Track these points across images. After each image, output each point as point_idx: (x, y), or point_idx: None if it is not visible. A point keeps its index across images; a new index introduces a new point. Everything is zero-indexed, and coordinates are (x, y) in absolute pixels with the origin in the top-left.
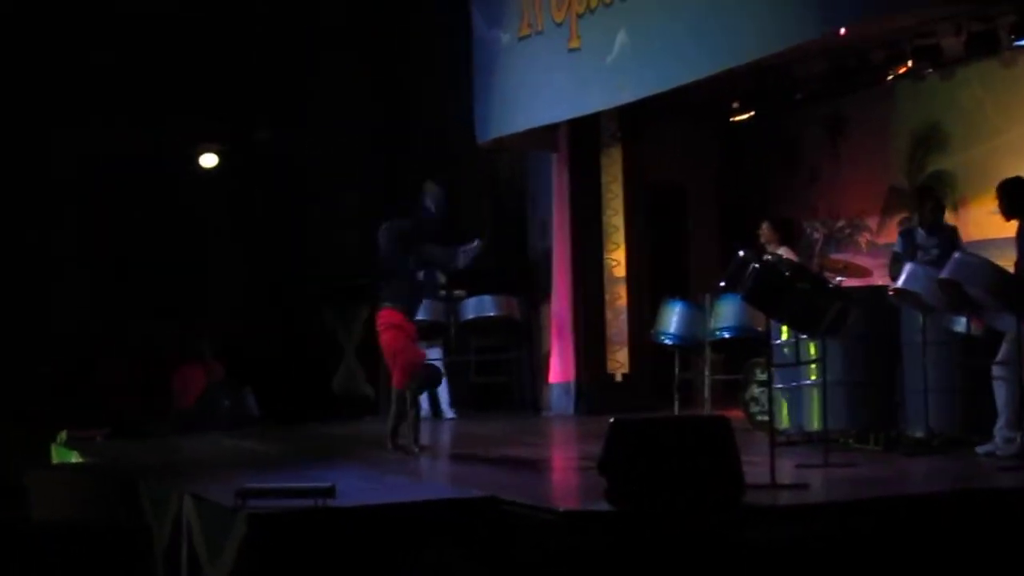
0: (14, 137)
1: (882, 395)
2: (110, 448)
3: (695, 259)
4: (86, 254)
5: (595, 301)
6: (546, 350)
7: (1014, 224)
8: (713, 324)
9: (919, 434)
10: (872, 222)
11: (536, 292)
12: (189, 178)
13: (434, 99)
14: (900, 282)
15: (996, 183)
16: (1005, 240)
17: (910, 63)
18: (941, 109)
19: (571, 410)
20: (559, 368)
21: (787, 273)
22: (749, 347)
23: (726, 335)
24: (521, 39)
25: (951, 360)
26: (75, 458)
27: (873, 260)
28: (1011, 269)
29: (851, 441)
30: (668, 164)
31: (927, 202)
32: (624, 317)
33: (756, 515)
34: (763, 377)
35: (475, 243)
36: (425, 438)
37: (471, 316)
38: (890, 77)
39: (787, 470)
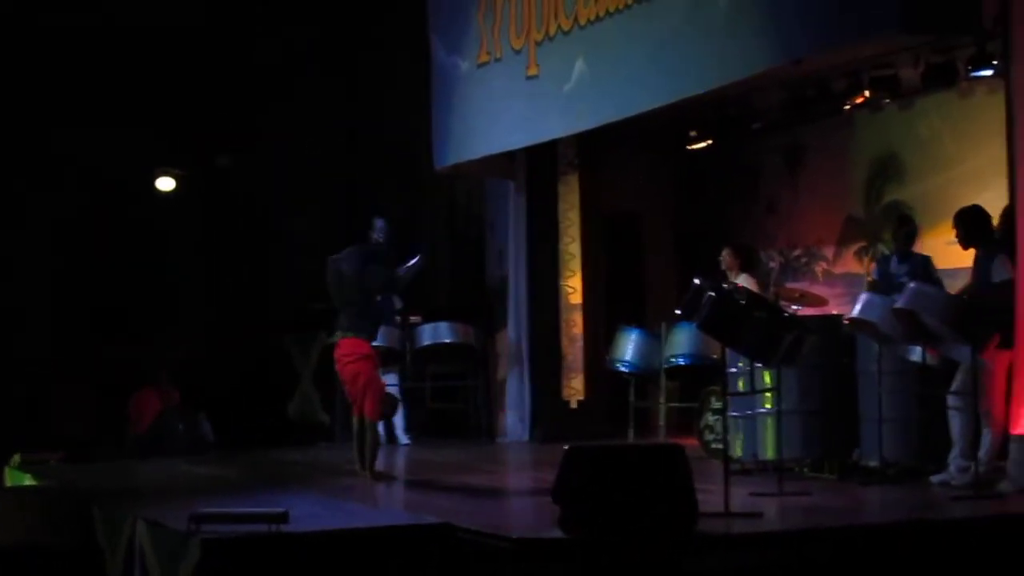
0: None
1: (837, 424)
2: (64, 471)
3: (651, 287)
4: (45, 278)
5: (551, 328)
6: (502, 377)
7: (971, 254)
8: (669, 352)
9: (874, 463)
10: (829, 251)
11: (493, 319)
12: (149, 203)
13: (394, 126)
14: (856, 311)
15: (953, 213)
16: (962, 270)
17: (868, 93)
18: (899, 139)
19: (526, 437)
20: (515, 395)
21: (743, 302)
22: (704, 375)
23: (681, 363)
24: (480, 66)
25: (906, 389)
26: (29, 481)
27: (829, 289)
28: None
29: (806, 470)
30: (625, 192)
31: (898, 230)
32: (580, 344)
33: (710, 543)
34: (718, 405)
35: (416, 259)
36: (380, 464)
37: (427, 342)
38: (848, 107)
39: (741, 498)
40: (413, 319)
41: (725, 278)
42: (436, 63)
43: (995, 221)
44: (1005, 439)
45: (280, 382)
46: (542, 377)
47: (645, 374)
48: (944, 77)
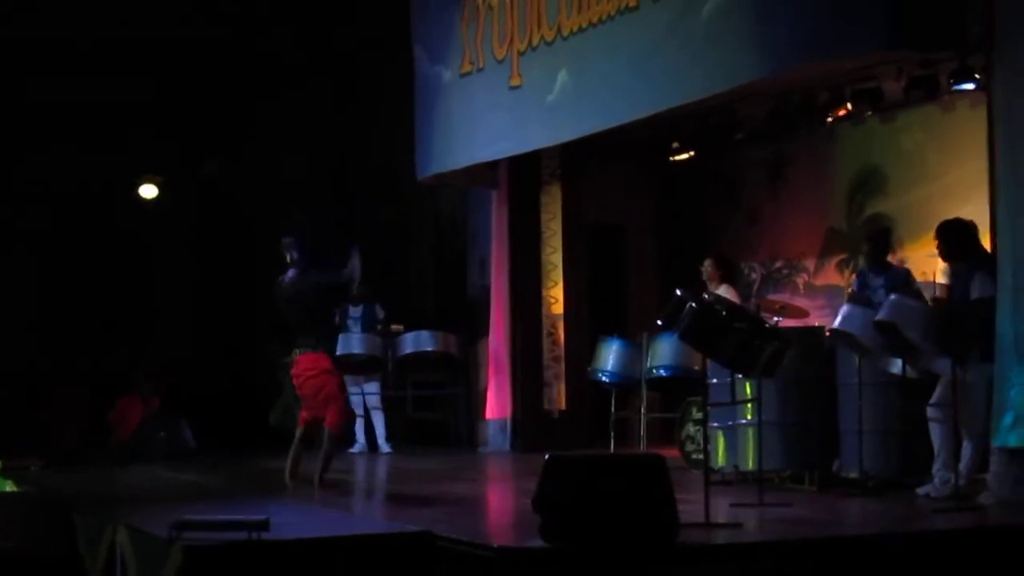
0: None
1: (817, 435)
2: (45, 478)
3: (633, 297)
4: (27, 285)
5: (532, 338)
6: (483, 386)
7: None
8: (650, 363)
9: (854, 475)
10: (810, 263)
11: (474, 328)
12: (133, 211)
13: (377, 135)
14: (836, 323)
15: (935, 226)
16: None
17: (850, 106)
18: (881, 152)
19: (507, 446)
20: (496, 404)
21: (724, 313)
22: (685, 386)
23: (663, 374)
24: (463, 76)
25: (887, 401)
26: (10, 487)
27: (810, 301)
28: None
29: (786, 481)
30: (608, 202)
31: (870, 244)
32: (561, 354)
33: (690, 554)
34: (699, 416)
35: (352, 254)
36: (361, 472)
37: (409, 351)
38: (831, 120)
39: (722, 509)
40: (395, 328)
41: (705, 289)
42: (419, 72)
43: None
44: (986, 451)
45: (263, 390)
46: (523, 387)
47: (626, 384)
48: (926, 90)
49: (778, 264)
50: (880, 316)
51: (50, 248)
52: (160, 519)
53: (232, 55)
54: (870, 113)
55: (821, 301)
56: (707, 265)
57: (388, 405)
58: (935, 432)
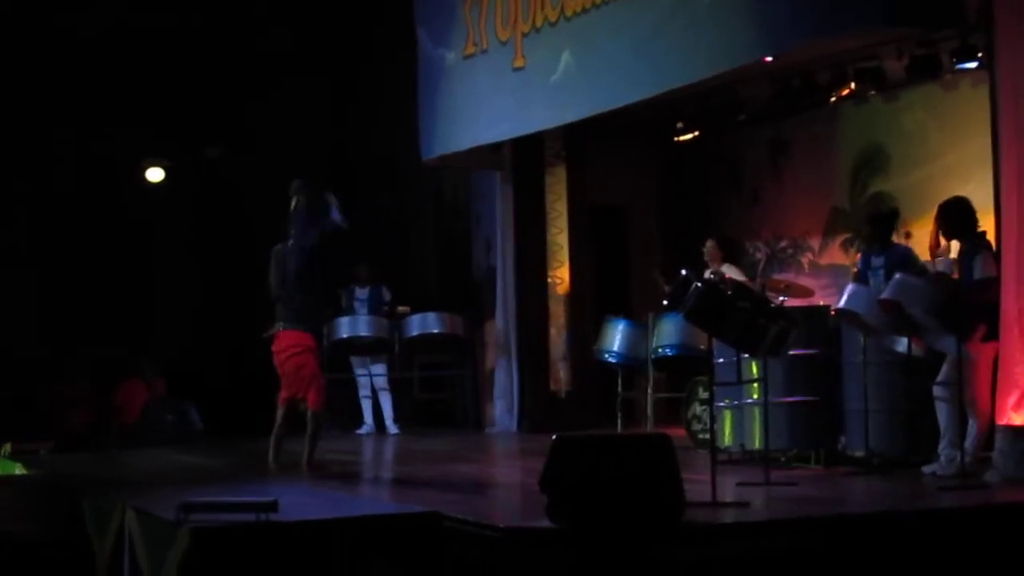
0: None
1: (823, 415)
2: (54, 461)
3: (638, 278)
4: (33, 269)
5: (539, 319)
6: (490, 367)
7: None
8: (656, 343)
9: (859, 453)
10: (814, 243)
11: (480, 309)
12: (137, 194)
13: (381, 117)
14: (842, 302)
15: (937, 205)
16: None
17: (853, 86)
18: (883, 132)
19: (514, 427)
20: (503, 385)
21: (729, 292)
22: (691, 366)
23: (669, 353)
24: (466, 58)
25: (892, 380)
26: (19, 470)
27: (815, 280)
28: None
29: (792, 460)
30: (612, 183)
31: (871, 225)
32: (567, 335)
33: (697, 533)
34: (705, 396)
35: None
36: (368, 453)
37: (415, 333)
38: (833, 99)
39: (728, 488)
40: (401, 309)
41: (707, 268)
42: (423, 55)
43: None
44: (991, 430)
45: (269, 372)
46: (530, 367)
47: (632, 364)
48: (928, 69)
49: (783, 244)
50: (885, 295)
51: (55, 233)
52: (168, 501)
53: (235, 38)
54: (872, 92)
55: (826, 280)
56: (709, 246)
57: (395, 386)
58: (941, 411)
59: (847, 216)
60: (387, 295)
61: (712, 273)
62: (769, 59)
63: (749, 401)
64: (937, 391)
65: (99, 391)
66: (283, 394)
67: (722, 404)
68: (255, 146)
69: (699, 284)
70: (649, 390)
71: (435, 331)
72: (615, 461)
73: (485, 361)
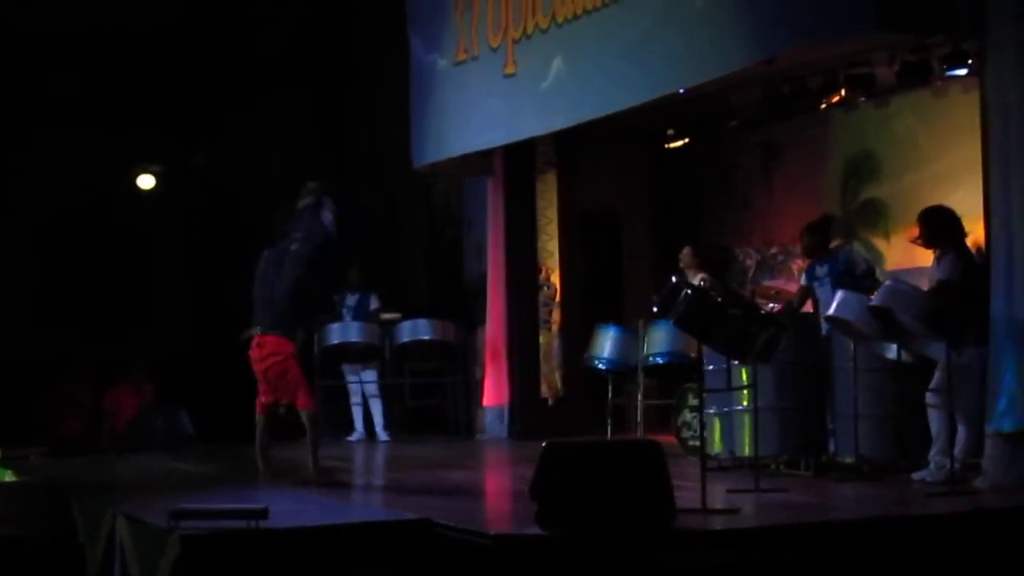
0: None
1: (813, 421)
2: (45, 467)
3: (629, 284)
4: (26, 275)
5: (529, 325)
6: (480, 374)
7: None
8: (646, 350)
9: (849, 460)
10: None
11: (471, 316)
12: (129, 200)
13: (371, 123)
14: (832, 309)
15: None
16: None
17: (844, 92)
18: (874, 138)
19: (505, 434)
20: (493, 392)
21: (719, 299)
22: (682, 372)
23: (659, 360)
24: (457, 64)
25: (882, 386)
26: (10, 476)
27: None
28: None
29: (782, 467)
30: (603, 190)
31: (809, 234)
32: (558, 342)
33: (687, 539)
34: (695, 402)
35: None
36: (359, 460)
37: (406, 339)
38: (824, 105)
39: (718, 495)
40: (392, 316)
41: (683, 275)
42: (414, 61)
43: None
44: (980, 436)
45: None
46: (520, 374)
47: (623, 371)
48: (919, 76)
49: (773, 250)
50: (875, 302)
51: (48, 237)
52: (159, 508)
53: (226, 44)
54: (863, 99)
55: None
56: (685, 253)
57: (386, 393)
58: (933, 418)
59: (838, 222)
60: (375, 302)
61: (702, 280)
62: (766, 61)
63: (739, 408)
64: (929, 398)
65: (90, 397)
66: (262, 399)
67: (712, 411)
68: (245, 152)
69: (689, 291)
70: (639, 397)
71: (426, 337)
72: (605, 468)
73: (476, 368)
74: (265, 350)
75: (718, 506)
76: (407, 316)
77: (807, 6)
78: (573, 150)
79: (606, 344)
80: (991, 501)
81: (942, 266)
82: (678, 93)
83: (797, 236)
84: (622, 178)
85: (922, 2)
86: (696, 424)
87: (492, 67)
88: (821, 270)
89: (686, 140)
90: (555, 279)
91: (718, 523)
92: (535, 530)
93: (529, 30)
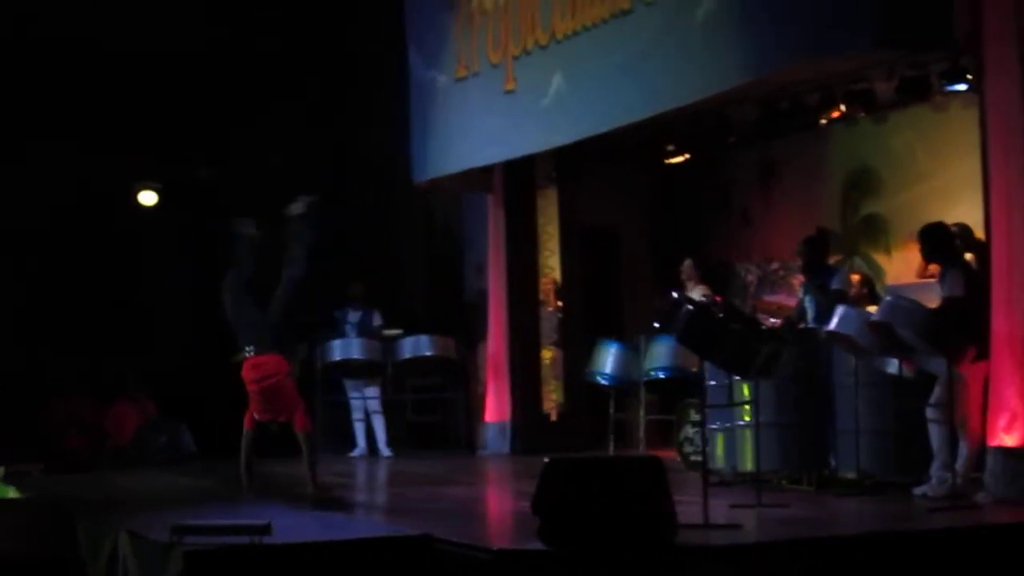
0: None
1: (814, 436)
2: (47, 483)
3: (629, 300)
4: (27, 291)
5: (530, 341)
6: (482, 389)
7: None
8: (648, 365)
9: (851, 475)
10: None
11: (472, 332)
12: (129, 216)
13: (372, 139)
14: (833, 324)
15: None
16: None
17: (843, 107)
18: (873, 153)
19: (506, 449)
20: (495, 407)
21: (720, 315)
22: (683, 388)
23: (661, 376)
24: (458, 80)
25: (883, 401)
26: (12, 493)
27: None
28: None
29: (784, 482)
30: (603, 206)
31: (805, 250)
32: (559, 357)
33: (689, 555)
34: (697, 418)
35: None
36: (361, 476)
37: (408, 355)
38: (823, 121)
39: (720, 510)
40: (394, 332)
41: (684, 288)
42: (414, 77)
43: (978, 234)
44: (982, 451)
45: None
46: (522, 390)
47: (624, 387)
48: (918, 91)
49: (774, 266)
50: (876, 317)
51: (48, 253)
52: (161, 524)
53: (226, 59)
54: (862, 114)
55: None
56: (686, 266)
57: (388, 409)
58: (934, 433)
59: (838, 238)
60: (377, 319)
61: (704, 294)
62: (768, 74)
63: (741, 423)
64: (930, 413)
65: (91, 413)
66: (254, 415)
67: (714, 426)
68: (246, 167)
69: (690, 306)
70: (641, 412)
71: (427, 354)
72: (607, 483)
73: (477, 383)
74: (262, 371)
75: (720, 521)
76: (408, 332)
77: (805, 23)
78: (573, 166)
79: (607, 359)
80: (993, 516)
81: (948, 282)
82: (678, 109)
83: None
84: (622, 194)
85: (919, 19)
86: (698, 439)
87: (492, 83)
88: (815, 284)
89: (686, 156)
90: (553, 296)
91: (720, 538)
92: (537, 545)
93: (529, 46)
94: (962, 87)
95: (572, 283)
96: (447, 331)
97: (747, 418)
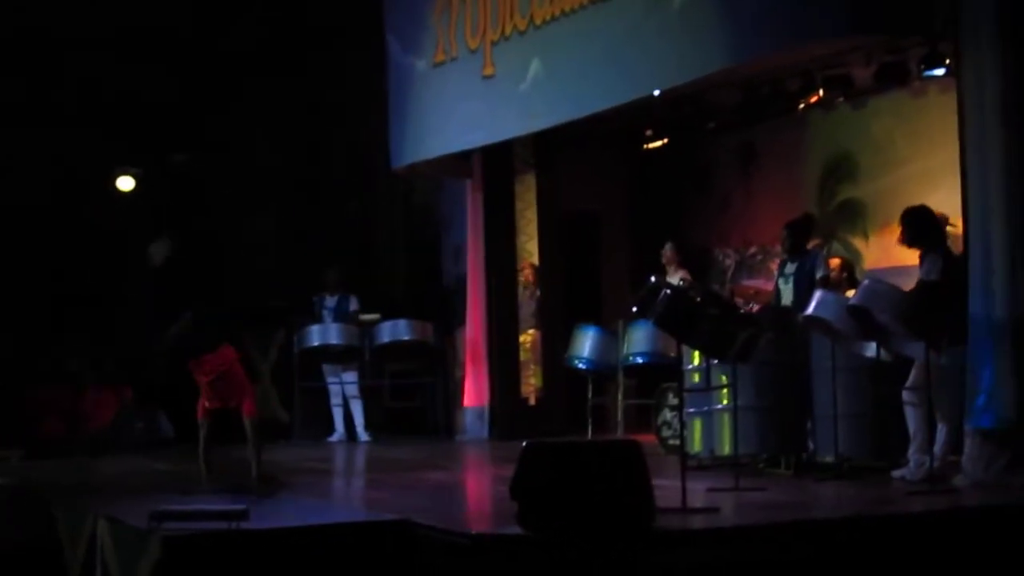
0: None
1: (792, 420)
2: (24, 469)
3: (608, 285)
4: (2, 277)
5: (509, 326)
6: (460, 375)
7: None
8: (626, 350)
9: (829, 459)
10: None
11: (451, 317)
12: (107, 201)
13: (350, 124)
14: (810, 309)
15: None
16: (914, 267)
17: (822, 93)
18: (852, 138)
19: (485, 434)
20: (473, 392)
21: (698, 299)
22: (661, 372)
23: (639, 360)
24: (436, 66)
25: (861, 385)
26: None
27: None
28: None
29: (761, 465)
30: (582, 191)
31: (789, 231)
32: (538, 342)
33: (667, 539)
34: (675, 402)
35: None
36: (339, 461)
37: (386, 340)
38: (802, 106)
39: (698, 494)
40: (372, 317)
41: (664, 272)
42: (392, 63)
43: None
44: (959, 434)
45: None
46: (500, 375)
47: (603, 371)
48: (896, 77)
49: (752, 250)
50: (853, 301)
51: (25, 239)
52: (139, 510)
53: (202, 43)
54: (841, 100)
55: None
56: (667, 249)
57: (366, 394)
58: (910, 416)
59: (817, 223)
60: (354, 305)
61: (682, 279)
62: (747, 59)
63: (718, 407)
64: (906, 396)
65: (69, 398)
66: (206, 405)
67: (692, 410)
68: (223, 152)
69: (668, 291)
70: (619, 397)
71: (406, 338)
72: (585, 468)
73: (455, 369)
74: (210, 365)
75: (698, 505)
76: (386, 317)
77: (784, 8)
78: (551, 151)
79: (586, 344)
80: (970, 499)
81: (925, 266)
82: (655, 95)
83: (776, 236)
84: (601, 179)
85: (897, 4)
86: (676, 423)
87: (470, 69)
88: (791, 268)
89: (665, 141)
90: (534, 279)
91: (698, 522)
92: (516, 530)
93: (507, 31)
94: (940, 72)
95: (551, 268)
96: (425, 316)
97: (725, 402)
